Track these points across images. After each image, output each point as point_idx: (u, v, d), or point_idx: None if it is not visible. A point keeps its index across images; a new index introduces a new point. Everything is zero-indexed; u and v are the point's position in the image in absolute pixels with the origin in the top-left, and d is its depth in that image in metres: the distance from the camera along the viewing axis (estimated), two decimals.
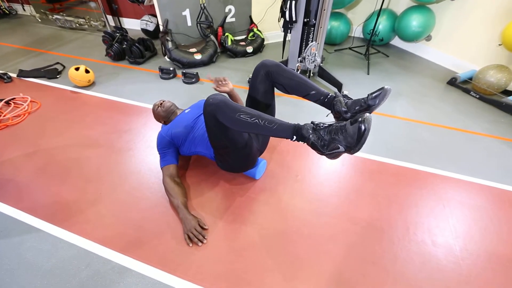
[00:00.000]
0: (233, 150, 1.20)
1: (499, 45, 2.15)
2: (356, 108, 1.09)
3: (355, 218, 1.26)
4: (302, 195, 1.36)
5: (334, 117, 1.20)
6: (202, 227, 1.17)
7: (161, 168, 1.32)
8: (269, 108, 1.36)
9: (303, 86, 1.20)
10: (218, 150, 1.24)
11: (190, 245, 1.12)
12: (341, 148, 0.91)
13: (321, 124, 0.96)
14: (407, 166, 1.56)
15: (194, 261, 1.08)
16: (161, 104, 1.47)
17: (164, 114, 1.46)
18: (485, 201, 1.37)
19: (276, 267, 1.07)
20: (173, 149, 1.34)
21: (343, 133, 0.89)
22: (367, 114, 0.87)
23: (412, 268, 1.08)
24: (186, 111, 1.42)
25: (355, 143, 0.87)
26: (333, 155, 0.95)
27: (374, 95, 1.07)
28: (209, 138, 1.19)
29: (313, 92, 1.20)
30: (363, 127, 0.85)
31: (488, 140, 1.79)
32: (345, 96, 1.15)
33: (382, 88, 1.06)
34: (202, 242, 1.13)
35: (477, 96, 2.22)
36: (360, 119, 0.86)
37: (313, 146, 0.96)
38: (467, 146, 1.74)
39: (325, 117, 1.28)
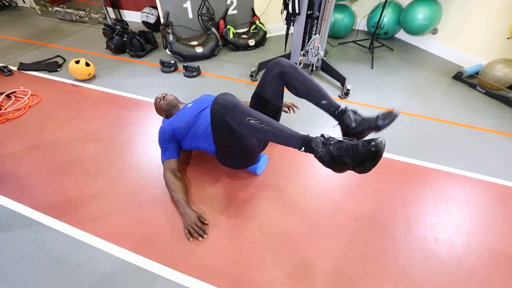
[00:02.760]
0: (237, 149, 1.19)
1: (508, 38, 2.10)
2: (366, 125, 1.09)
3: (357, 214, 1.25)
4: (304, 191, 1.35)
5: (341, 129, 1.19)
6: (202, 222, 1.17)
7: (162, 162, 1.31)
8: (277, 112, 1.34)
9: (317, 94, 1.19)
10: (220, 148, 1.23)
11: (191, 239, 1.12)
12: (349, 166, 0.89)
13: (332, 139, 0.94)
14: (410, 162, 1.54)
15: (195, 256, 1.08)
16: (163, 97, 1.46)
17: (166, 108, 1.45)
18: (489, 198, 1.35)
19: (277, 262, 1.06)
20: (174, 143, 1.33)
21: (354, 153, 0.87)
22: (381, 138, 0.84)
23: (414, 265, 1.07)
24: (189, 105, 1.40)
25: (365, 165, 0.85)
26: (339, 170, 0.93)
27: (383, 117, 1.07)
28: (212, 136, 1.18)
29: (325, 101, 1.18)
30: (375, 150, 0.83)
31: (494, 136, 1.76)
32: (354, 111, 1.14)
33: (391, 112, 1.07)
34: (202, 237, 1.12)
35: (483, 91, 2.18)
36: (373, 143, 0.83)
37: (321, 159, 0.94)
38: (472, 142, 1.71)
39: (332, 127, 1.27)
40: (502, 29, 2.20)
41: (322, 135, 0.96)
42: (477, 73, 2.29)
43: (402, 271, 1.05)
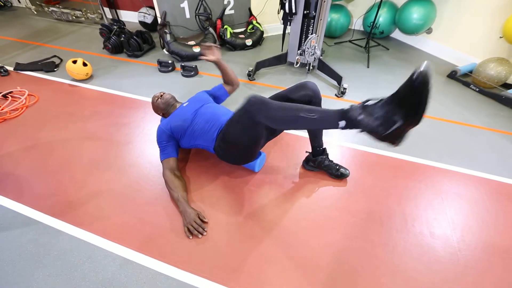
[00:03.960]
0: (243, 146, 1.22)
1: (500, 37, 2.14)
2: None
3: (354, 210, 1.27)
4: (301, 188, 1.37)
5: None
6: (202, 220, 1.18)
7: (161, 162, 1.32)
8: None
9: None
10: (226, 144, 1.23)
11: (190, 237, 1.13)
12: (399, 122, 0.71)
13: (371, 101, 0.77)
14: (406, 159, 1.56)
15: (194, 253, 1.09)
16: (161, 96, 1.46)
17: (163, 106, 1.45)
18: (482, 194, 1.37)
19: (276, 259, 1.08)
20: (173, 142, 1.34)
21: (396, 98, 0.70)
22: (423, 65, 0.65)
23: (410, 260, 1.09)
24: (185, 104, 1.41)
25: (416, 107, 0.67)
26: (395, 136, 0.75)
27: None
28: (224, 132, 1.18)
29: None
30: (420, 79, 0.63)
31: (487, 134, 1.79)
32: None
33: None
34: (202, 234, 1.13)
35: (477, 90, 2.22)
36: (414, 73, 0.65)
37: (367, 128, 0.76)
38: (466, 139, 1.74)
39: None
40: (495, 29, 2.24)
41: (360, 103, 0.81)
42: (470, 72, 2.33)
43: (399, 265, 1.07)
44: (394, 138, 0.76)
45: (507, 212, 1.29)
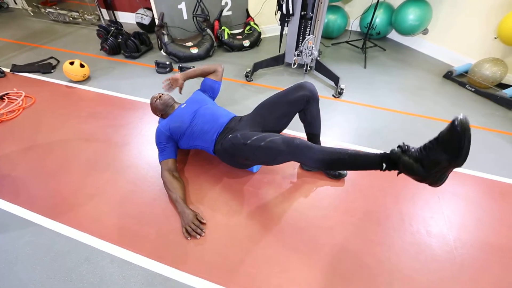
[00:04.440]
0: (255, 162, 1.25)
1: (495, 38, 2.16)
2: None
3: (352, 210, 1.27)
4: (299, 188, 1.37)
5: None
6: (200, 221, 1.18)
7: (160, 163, 1.32)
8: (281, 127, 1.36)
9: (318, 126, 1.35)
10: (237, 156, 1.22)
11: (189, 238, 1.13)
12: (444, 162, 0.77)
13: (411, 147, 0.85)
14: None
15: (193, 254, 1.09)
16: (159, 97, 1.46)
17: (162, 107, 1.45)
18: (478, 193, 1.39)
19: (274, 258, 1.08)
20: (171, 143, 1.34)
21: (440, 143, 0.76)
22: (460, 116, 0.73)
23: (407, 258, 1.10)
24: (183, 105, 1.41)
25: (458, 150, 0.73)
26: (436, 175, 0.81)
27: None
28: (242, 146, 1.13)
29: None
30: (461, 127, 0.71)
31: (483, 133, 1.81)
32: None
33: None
34: (200, 235, 1.14)
35: (473, 90, 2.24)
36: (455, 122, 0.73)
37: (408, 168, 0.83)
38: None
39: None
40: (490, 29, 2.26)
41: (399, 146, 0.88)
42: (466, 72, 2.35)
43: (396, 264, 1.08)
44: (435, 179, 0.83)
45: (503, 211, 1.30)
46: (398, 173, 0.89)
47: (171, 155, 1.32)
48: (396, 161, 0.86)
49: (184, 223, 1.16)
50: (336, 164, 1.00)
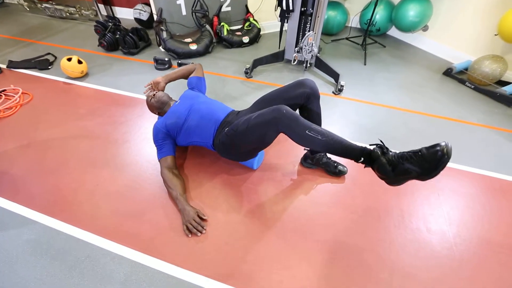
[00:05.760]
0: (252, 147, 1.23)
1: (495, 35, 2.16)
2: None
3: (352, 207, 1.28)
4: (300, 185, 1.37)
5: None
6: (201, 218, 1.18)
7: (159, 160, 1.31)
8: None
9: (319, 123, 1.32)
10: (233, 143, 1.21)
11: (189, 235, 1.13)
12: (413, 173, 0.86)
13: (391, 151, 0.93)
14: None
15: (194, 251, 1.09)
16: (153, 95, 1.45)
17: (157, 105, 1.44)
18: (477, 189, 1.40)
19: (275, 255, 1.08)
20: (169, 140, 1.34)
21: (418, 159, 0.84)
22: (445, 142, 0.82)
23: (407, 255, 1.10)
24: (177, 102, 1.41)
25: (431, 170, 0.83)
26: (400, 180, 0.91)
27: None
28: (234, 131, 1.15)
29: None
30: (442, 155, 0.80)
31: (482, 130, 1.81)
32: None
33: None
34: (201, 232, 1.13)
35: (472, 87, 2.24)
36: (439, 147, 0.81)
37: (380, 170, 0.92)
38: (462, 136, 1.76)
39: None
40: (490, 26, 2.26)
41: (380, 146, 0.96)
42: (466, 69, 2.35)
43: (396, 261, 1.08)
44: (397, 181, 0.92)
45: (502, 207, 1.31)
46: (365, 166, 0.99)
47: (169, 152, 1.32)
48: (374, 159, 0.94)
49: (185, 220, 1.16)
50: (316, 143, 1.01)
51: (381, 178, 0.95)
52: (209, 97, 1.51)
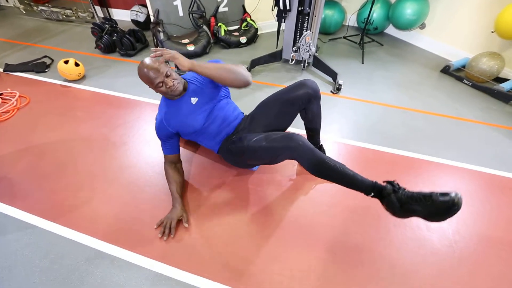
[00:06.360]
0: (258, 162, 1.25)
1: (492, 32, 2.16)
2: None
3: (352, 206, 1.28)
4: (299, 185, 1.37)
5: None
6: (183, 223, 1.15)
7: (164, 155, 1.29)
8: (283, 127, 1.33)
9: (319, 123, 1.34)
10: (241, 157, 1.20)
11: (155, 227, 1.15)
12: (420, 215, 0.88)
13: (403, 189, 0.94)
14: (402, 154, 1.58)
15: (193, 253, 1.08)
16: (172, 85, 1.10)
17: (170, 96, 1.17)
18: (477, 186, 1.40)
19: (275, 255, 1.08)
20: (175, 138, 1.27)
21: (427, 203, 0.86)
22: (456, 193, 0.82)
23: (408, 253, 1.10)
24: (193, 100, 1.19)
25: (438, 217, 0.86)
26: (405, 216, 0.93)
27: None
28: (245, 148, 1.13)
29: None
30: (452, 205, 0.81)
31: (480, 127, 1.82)
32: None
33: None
34: (165, 236, 1.11)
35: (470, 84, 2.24)
36: (449, 197, 0.82)
37: (389, 206, 0.94)
38: (460, 133, 1.76)
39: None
40: (487, 23, 2.26)
41: (391, 183, 0.97)
42: (464, 67, 2.35)
43: (396, 259, 1.08)
44: (400, 216, 0.94)
45: (501, 204, 1.31)
46: (373, 196, 0.98)
47: (174, 150, 1.27)
48: (384, 196, 0.95)
49: (167, 216, 1.16)
50: (329, 176, 1.02)
51: (387, 211, 0.96)
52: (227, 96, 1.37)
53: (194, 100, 1.21)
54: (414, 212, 0.89)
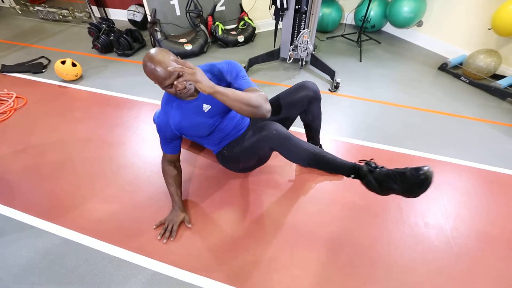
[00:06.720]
0: (250, 165, 1.26)
1: (489, 29, 2.17)
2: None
3: (351, 204, 1.28)
4: (298, 185, 1.38)
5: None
6: (185, 223, 1.16)
7: (163, 153, 1.21)
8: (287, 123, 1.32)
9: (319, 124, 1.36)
10: (233, 161, 1.22)
11: (154, 227, 1.15)
12: (397, 191, 0.93)
13: (380, 167, 0.99)
14: (400, 151, 1.58)
15: (192, 252, 1.09)
16: (183, 87, 0.94)
17: (182, 97, 1.06)
18: (474, 183, 1.40)
19: (274, 254, 1.09)
20: (179, 140, 1.20)
21: (402, 180, 0.90)
22: (428, 167, 0.87)
23: (406, 250, 1.11)
24: (206, 108, 1.09)
25: (413, 192, 0.90)
26: (386, 194, 0.97)
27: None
28: (232, 152, 1.18)
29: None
30: (424, 178, 0.85)
31: (478, 124, 1.83)
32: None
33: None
34: (166, 239, 1.11)
35: (467, 81, 2.25)
36: (421, 172, 0.86)
37: (368, 185, 0.99)
38: (458, 130, 1.77)
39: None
40: (484, 20, 2.27)
41: (368, 163, 1.01)
42: (461, 64, 2.36)
43: (395, 256, 1.09)
44: (383, 195, 0.99)
45: (498, 201, 1.32)
46: (353, 177, 1.04)
47: (174, 151, 1.19)
48: (362, 175, 1.01)
49: (167, 219, 1.16)
50: (311, 161, 1.04)
51: (369, 191, 1.01)
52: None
53: (206, 107, 1.09)
54: (392, 190, 0.93)
